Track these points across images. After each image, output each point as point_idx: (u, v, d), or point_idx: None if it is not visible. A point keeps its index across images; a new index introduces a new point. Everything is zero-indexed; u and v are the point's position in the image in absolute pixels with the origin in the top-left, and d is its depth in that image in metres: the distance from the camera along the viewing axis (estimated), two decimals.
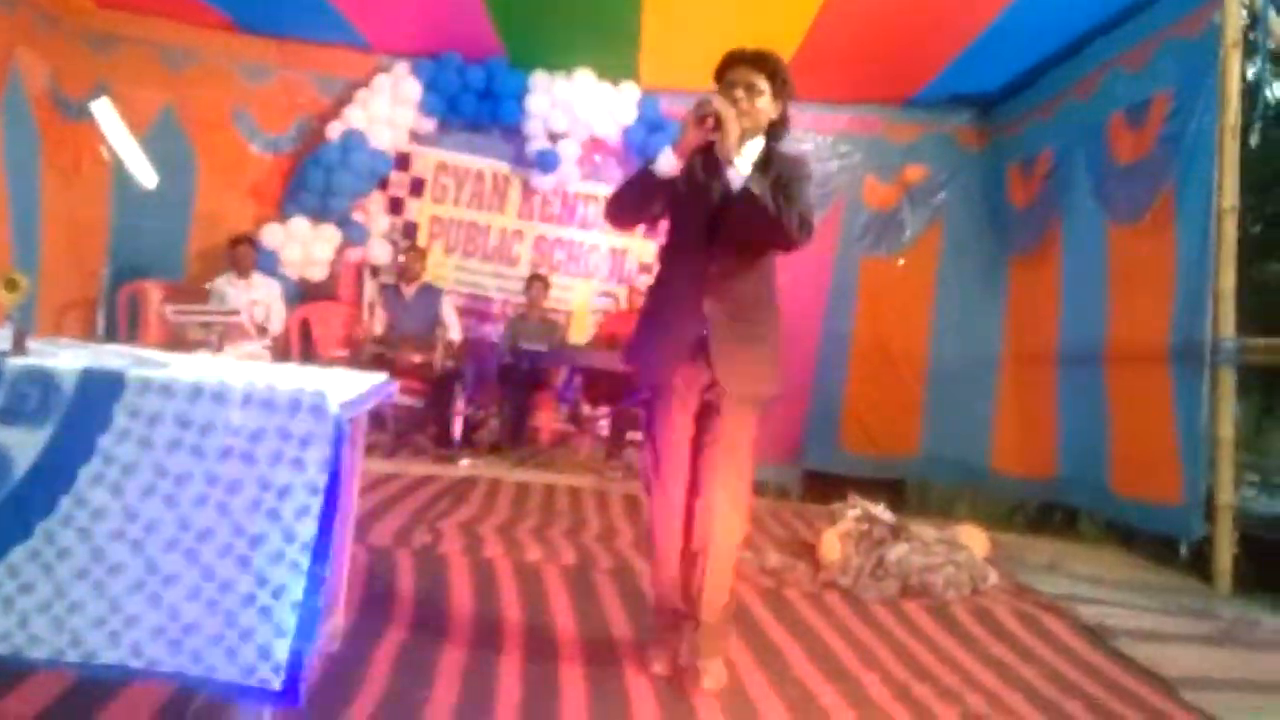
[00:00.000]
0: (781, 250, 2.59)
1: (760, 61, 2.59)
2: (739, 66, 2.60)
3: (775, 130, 2.65)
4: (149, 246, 6.83)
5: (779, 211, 2.44)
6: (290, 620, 1.76)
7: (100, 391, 1.81)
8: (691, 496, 2.62)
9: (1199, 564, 4.59)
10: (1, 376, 1.81)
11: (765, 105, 2.59)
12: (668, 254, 2.82)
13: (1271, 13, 4.76)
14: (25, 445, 1.78)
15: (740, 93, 2.56)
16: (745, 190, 2.43)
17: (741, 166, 2.44)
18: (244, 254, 6.42)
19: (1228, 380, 4.48)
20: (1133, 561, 4.95)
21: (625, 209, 2.71)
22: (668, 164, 2.51)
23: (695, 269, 2.60)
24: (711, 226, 2.57)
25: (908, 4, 5.43)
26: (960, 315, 6.84)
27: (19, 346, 1.95)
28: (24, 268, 5.62)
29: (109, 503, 1.78)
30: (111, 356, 2.15)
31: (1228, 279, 4.52)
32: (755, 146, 2.59)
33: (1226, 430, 4.48)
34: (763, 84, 2.58)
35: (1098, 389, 5.31)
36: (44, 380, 1.80)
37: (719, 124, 2.43)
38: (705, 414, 2.62)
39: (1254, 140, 4.75)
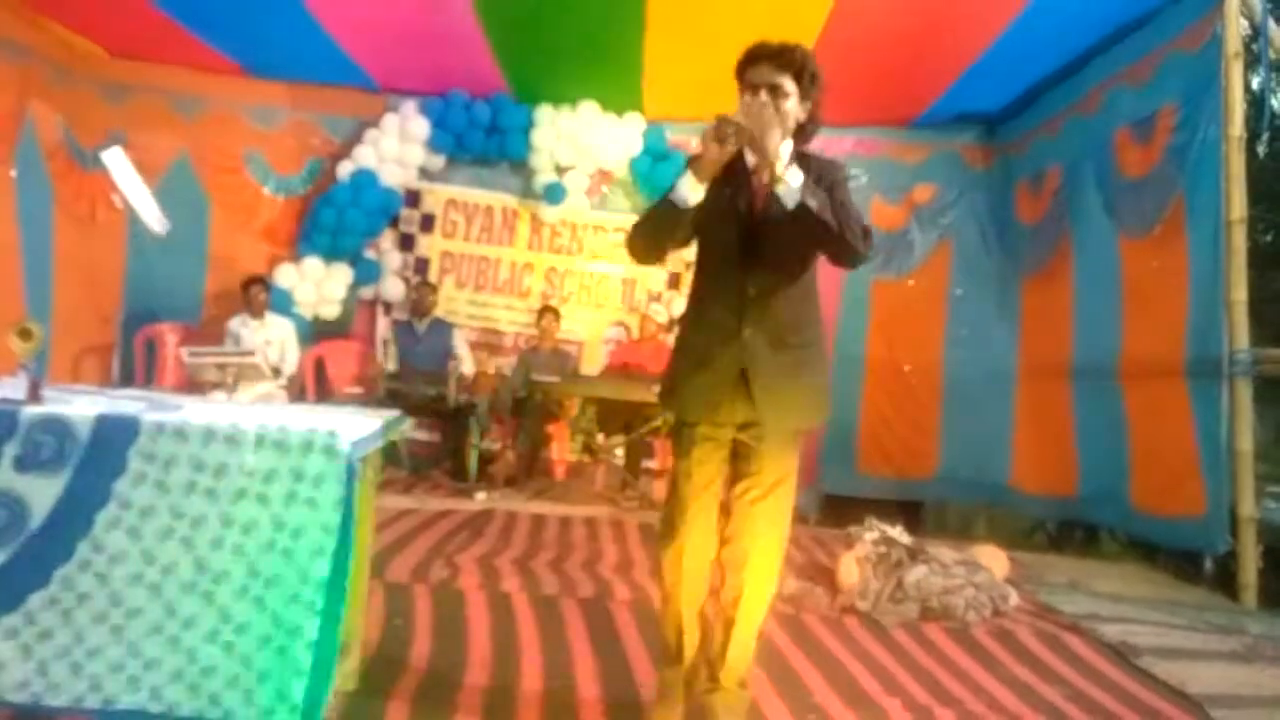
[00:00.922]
0: (846, 266, 2.36)
1: (785, 58, 2.30)
2: (761, 64, 2.31)
3: (804, 132, 2.39)
4: (165, 290, 6.93)
5: (840, 225, 2.19)
6: (307, 660, 1.77)
7: (115, 437, 1.84)
8: (721, 545, 2.40)
9: (1223, 579, 4.53)
10: (17, 425, 1.84)
11: (792, 107, 2.31)
12: (699, 279, 2.50)
13: (1272, 23, 4.78)
14: (42, 493, 1.80)
15: (764, 95, 2.27)
16: (802, 207, 2.16)
17: (791, 179, 2.16)
18: (257, 295, 6.48)
19: (1244, 392, 4.45)
20: (1155, 578, 4.89)
21: (647, 242, 2.42)
22: (689, 190, 2.22)
23: (731, 295, 2.35)
24: (746, 248, 2.33)
25: (910, 26, 5.47)
26: (974, 334, 6.82)
27: (34, 395, 1.98)
28: (38, 315, 5.70)
29: (126, 547, 1.80)
30: (126, 402, 2.17)
31: (1239, 290, 4.50)
32: (784, 151, 2.23)
33: (1245, 443, 4.44)
34: (789, 85, 2.30)
35: (1116, 404, 5.28)
36: (59, 428, 1.83)
37: (745, 139, 2.17)
38: (742, 454, 2.39)
39: (1261, 151, 4.75)
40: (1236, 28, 4.67)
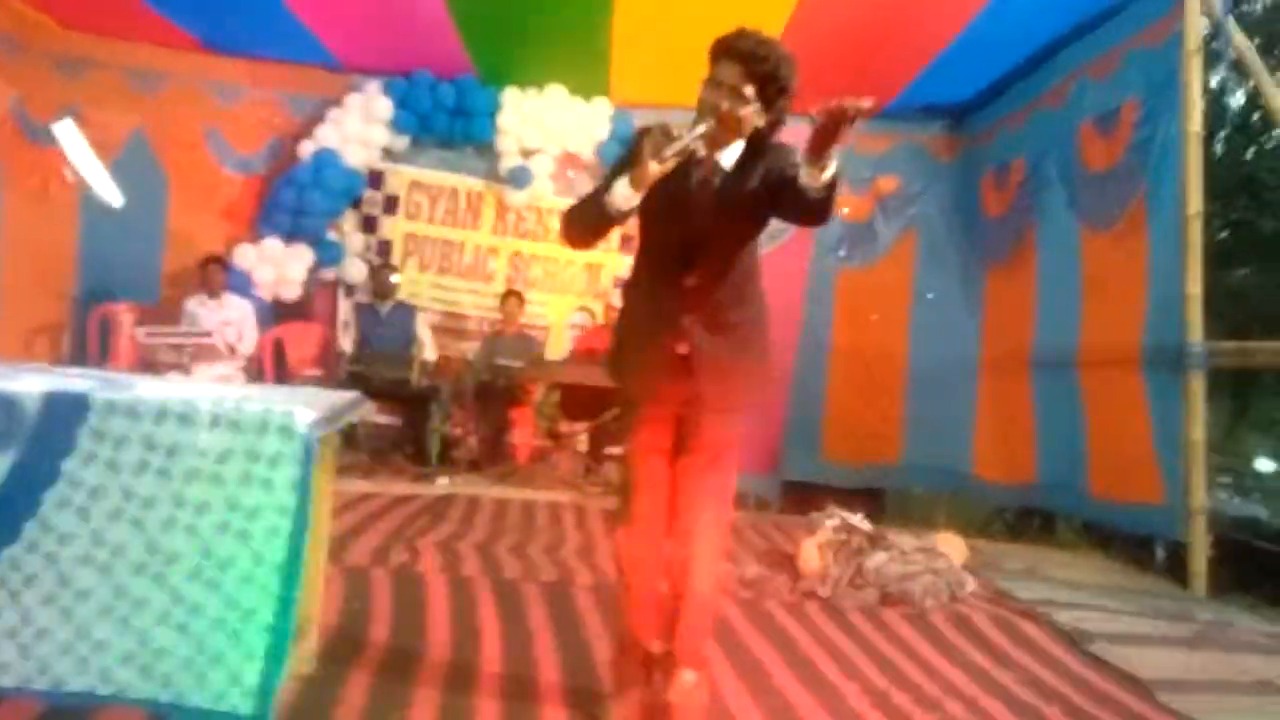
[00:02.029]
0: (814, 225, 2.37)
1: (755, 65, 2.23)
2: (733, 64, 2.24)
3: (758, 139, 2.33)
4: (121, 269, 6.78)
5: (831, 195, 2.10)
6: (261, 644, 1.74)
7: (64, 414, 1.79)
8: (671, 518, 2.41)
9: (1175, 568, 4.63)
10: None
11: (751, 112, 2.25)
12: (640, 261, 2.52)
13: (1231, 21, 4.84)
14: None
15: (724, 97, 2.23)
16: (832, 181, 2.07)
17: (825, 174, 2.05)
18: (214, 274, 6.37)
19: (1197, 384, 4.53)
20: (1109, 566, 4.98)
21: (580, 231, 2.46)
22: (624, 200, 2.21)
23: (672, 279, 2.36)
24: (688, 234, 2.32)
25: (877, 16, 5.48)
26: (938, 324, 6.88)
27: None
28: None
29: (75, 527, 1.76)
30: (76, 379, 2.12)
31: (1195, 284, 4.57)
32: (735, 150, 2.32)
33: (1198, 434, 4.52)
34: (750, 91, 2.23)
35: (1073, 395, 5.36)
36: (6, 404, 1.78)
37: (686, 156, 2.21)
38: (686, 429, 2.40)
39: (1218, 148, 4.82)
40: (1197, 25, 4.73)
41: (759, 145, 2.32)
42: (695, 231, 2.32)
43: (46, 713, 2.02)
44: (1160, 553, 4.82)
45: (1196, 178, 4.60)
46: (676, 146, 2.17)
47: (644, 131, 2.33)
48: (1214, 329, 4.63)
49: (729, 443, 2.43)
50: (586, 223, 2.40)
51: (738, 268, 2.38)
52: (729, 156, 2.34)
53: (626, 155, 2.34)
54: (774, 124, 2.34)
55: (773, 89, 2.26)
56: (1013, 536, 5.93)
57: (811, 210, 2.16)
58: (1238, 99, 7.34)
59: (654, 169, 2.16)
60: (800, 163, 2.10)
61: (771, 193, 2.24)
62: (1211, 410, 4.74)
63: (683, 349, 2.35)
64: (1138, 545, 5.03)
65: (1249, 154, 7.47)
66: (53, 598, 1.74)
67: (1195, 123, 4.63)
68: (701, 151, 2.31)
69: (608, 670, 2.63)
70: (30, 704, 2.01)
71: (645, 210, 2.32)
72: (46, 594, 1.74)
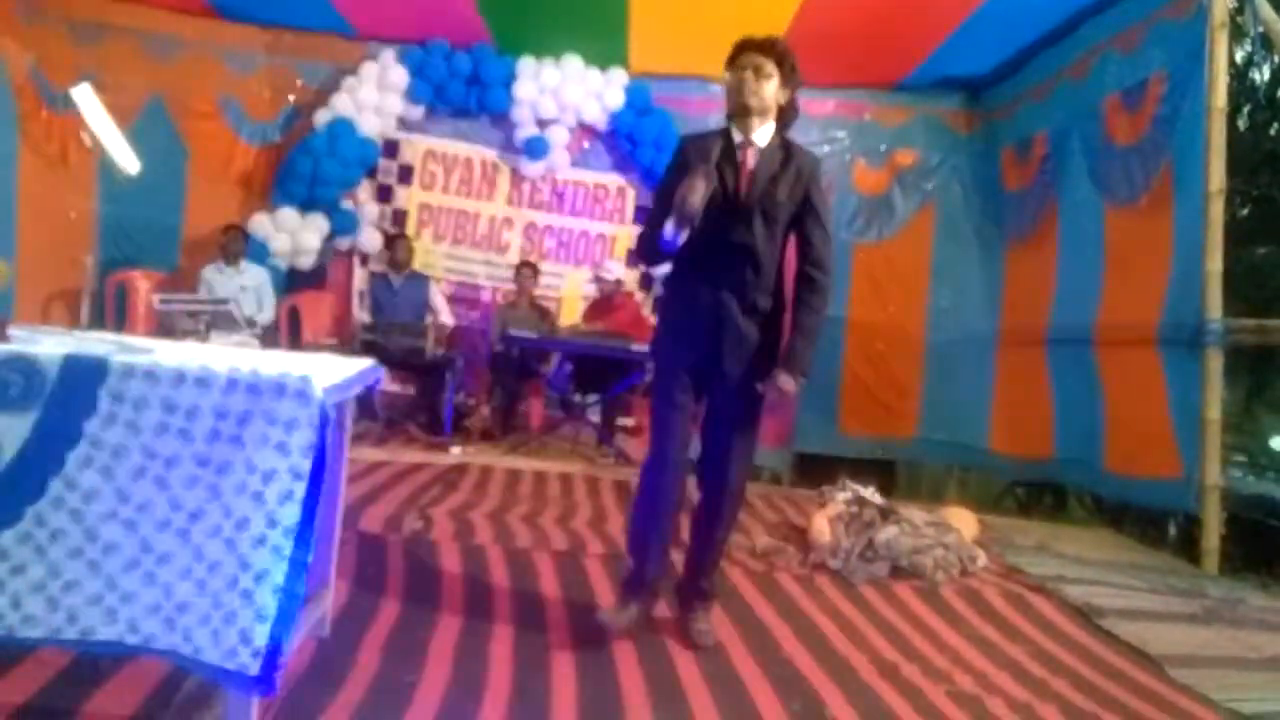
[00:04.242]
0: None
1: (768, 47, 2.69)
2: (748, 51, 2.70)
3: (784, 116, 2.77)
4: (140, 236, 6.82)
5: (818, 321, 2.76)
6: (271, 606, 1.76)
7: (84, 377, 1.81)
8: (701, 467, 2.85)
9: (1186, 545, 4.63)
10: None
11: (772, 90, 2.69)
12: (685, 249, 2.74)
13: None
14: (11, 431, 1.78)
15: (749, 75, 2.67)
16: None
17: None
18: (234, 241, 6.41)
19: (1215, 362, 4.50)
20: (1121, 543, 4.98)
21: (649, 264, 3.19)
22: (672, 237, 2.60)
23: (714, 267, 2.73)
24: (729, 228, 2.70)
25: None
26: (956, 298, 6.86)
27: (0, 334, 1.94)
28: (2, 257, 5.59)
29: (100, 485, 1.78)
30: (94, 344, 2.14)
31: (1215, 261, 4.53)
32: (767, 132, 2.74)
33: (1214, 412, 4.49)
34: (770, 68, 2.67)
35: (1091, 370, 5.33)
36: (27, 367, 1.80)
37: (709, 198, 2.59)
38: (712, 392, 2.79)
39: (1241, 123, 4.76)
40: None
41: (788, 146, 2.75)
42: (737, 217, 2.69)
43: (76, 661, 2.08)
44: (1172, 530, 4.81)
45: (1219, 154, 4.55)
46: (694, 200, 2.53)
47: (686, 141, 2.81)
48: (1234, 306, 4.60)
49: (749, 406, 2.79)
50: (652, 258, 2.83)
51: (768, 261, 2.74)
52: (762, 136, 2.73)
53: (674, 165, 2.76)
54: (792, 103, 2.77)
55: (787, 67, 2.71)
56: (1024, 512, 5.94)
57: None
58: (1263, 74, 7.26)
59: (692, 209, 2.53)
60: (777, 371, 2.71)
61: (797, 219, 2.75)
62: (1229, 387, 4.72)
63: (718, 324, 2.71)
64: (1149, 522, 5.02)
65: (1273, 130, 7.39)
66: (79, 551, 1.76)
67: (1220, 98, 4.57)
68: (738, 138, 2.72)
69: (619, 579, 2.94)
70: (46, 666, 2.07)
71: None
72: (73, 548, 1.76)
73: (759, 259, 2.70)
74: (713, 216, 2.64)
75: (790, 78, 2.72)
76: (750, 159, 2.71)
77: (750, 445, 2.84)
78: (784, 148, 2.74)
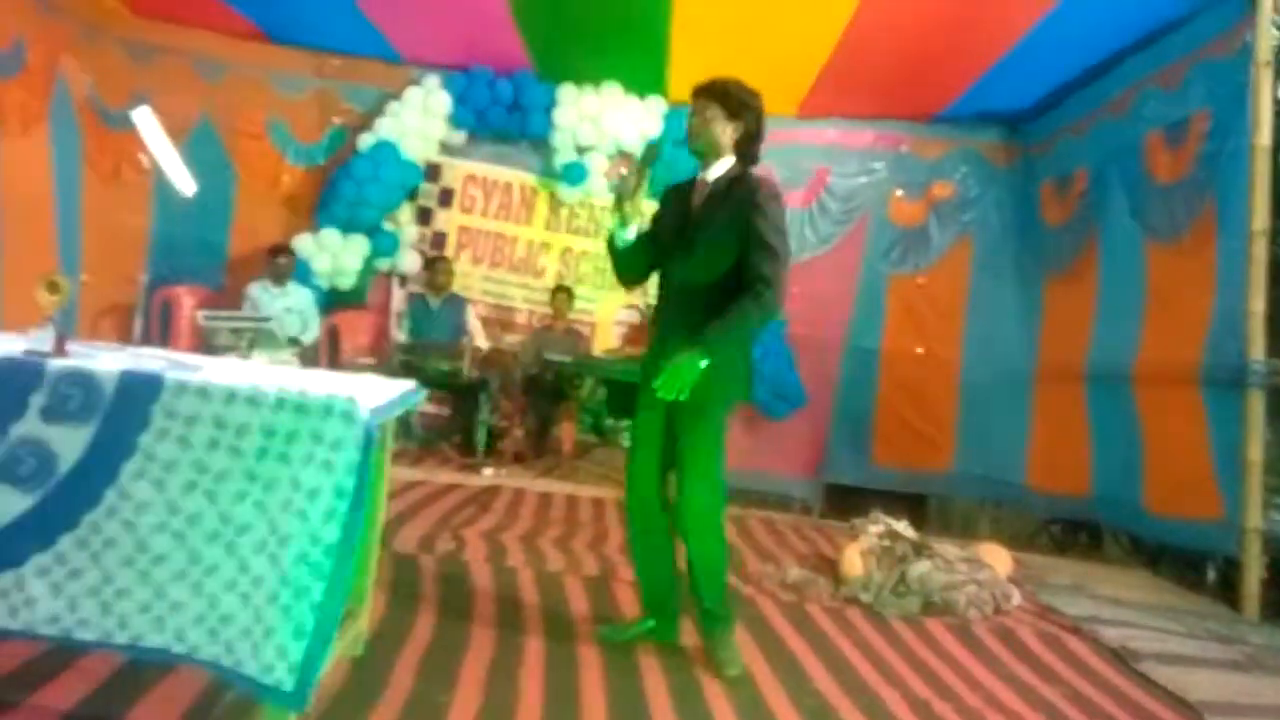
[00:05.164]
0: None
1: (707, 89, 2.85)
2: (693, 96, 2.87)
3: (744, 149, 2.86)
4: (189, 254, 6.95)
5: (745, 319, 2.70)
6: (309, 622, 1.79)
7: (139, 392, 1.86)
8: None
9: (1225, 589, 4.53)
10: (44, 377, 1.86)
11: (719, 129, 2.81)
12: (659, 290, 3.01)
13: None
14: (70, 442, 1.84)
15: (693, 120, 2.84)
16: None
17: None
18: (285, 264, 6.52)
19: (1257, 403, 4.44)
20: (1158, 584, 4.89)
21: (618, 276, 3.09)
22: (617, 236, 2.87)
23: (668, 289, 2.90)
24: (679, 251, 2.83)
25: (935, 21, 5.43)
26: (993, 332, 6.80)
27: (60, 349, 2.00)
28: (67, 272, 5.73)
29: (152, 497, 1.84)
30: (148, 360, 2.20)
31: (1258, 301, 4.47)
32: (722, 168, 2.85)
33: (1255, 453, 4.42)
34: (712, 110, 2.81)
35: (1130, 408, 5.27)
36: (85, 381, 1.86)
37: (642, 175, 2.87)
38: (673, 419, 2.81)
39: None
40: (1267, 37, 4.63)
41: (737, 177, 2.83)
42: (686, 264, 2.82)
43: (117, 673, 2.13)
44: (1211, 573, 4.72)
45: (1263, 193, 4.50)
46: (623, 187, 2.83)
47: (669, 186, 3.03)
48: (1278, 347, 4.54)
49: (706, 430, 2.78)
50: (612, 263, 3.03)
51: (718, 283, 2.76)
52: (715, 172, 2.85)
53: (657, 211, 3.02)
54: (748, 135, 2.85)
55: (732, 102, 2.82)
56: (1059, 551, 5.85)
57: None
58: None
59: (625, 209, 2.84)
60: None
61: (739, 242, 2.73)
62: (1271, 429, 4.64)
63: (666, 351, 2.74)
64: (1187, 565, 4.93)
65: None
66: (131, 560, 1.82)
67: (1264, 136, 4.53)
68: (699, 179, 2.87)
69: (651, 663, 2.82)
70: (98, 667, 2.13)
71: (655, 234, 2.95)
72: (125, 556, 1.82)
73: (705, 291, 2.76)
74: (669, 255, 2.85)
75: (738, 112, 2.81)
76: (698, 198, 2.84)
77: (702, 461, 2.78)
78: (732, 180, 2.82)
